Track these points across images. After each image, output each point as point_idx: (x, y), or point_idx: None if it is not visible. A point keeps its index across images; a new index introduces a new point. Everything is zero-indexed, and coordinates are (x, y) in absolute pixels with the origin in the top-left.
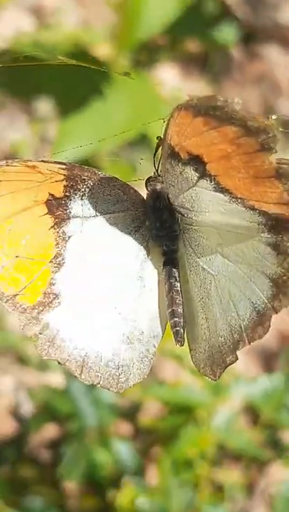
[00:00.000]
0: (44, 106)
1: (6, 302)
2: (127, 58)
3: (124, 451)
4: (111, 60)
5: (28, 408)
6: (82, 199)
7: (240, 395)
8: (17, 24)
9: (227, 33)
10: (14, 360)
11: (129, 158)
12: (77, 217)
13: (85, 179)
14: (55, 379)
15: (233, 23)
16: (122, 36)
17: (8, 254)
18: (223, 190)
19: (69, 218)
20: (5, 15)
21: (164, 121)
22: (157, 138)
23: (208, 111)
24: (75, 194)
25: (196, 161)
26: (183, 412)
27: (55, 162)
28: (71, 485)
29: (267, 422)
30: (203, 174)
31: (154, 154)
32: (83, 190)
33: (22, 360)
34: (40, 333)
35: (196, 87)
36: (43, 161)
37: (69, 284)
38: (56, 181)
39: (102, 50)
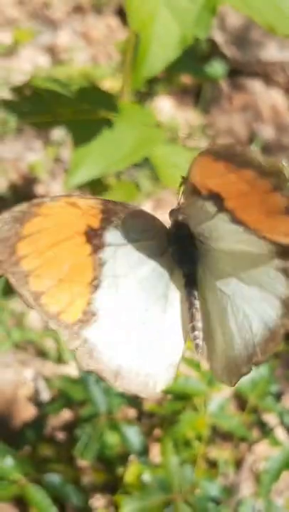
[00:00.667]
0: (58, 131)
1: (51, 319)
2: (131, 92)
3: (130, 433)
4: (117, 92)
5: (46, 396)
6: (115, 229)
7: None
8: (34, 60)
9: (216, 69)
10: (34, 354)
11: (133, 177)
12: (111, 245)
13: (117, 212)
14: (70, 370)
15: (222, 60)
16: (131, 76)
17: (53, 278)
18: (239, 222)
19: (104, 246)
20: (23, 52)
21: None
22: (182, 177)
23: (229, 157)
24: (109, 225)
25: (216, 198)
26: (182, 399)
27: (92, 198)
28: (85, 463)
29: (253, 407)
30: (221, 209)
31: (179, 188)
32: (116, 221)
33: (41, 354)
34: (81, 347)
35: (190, 116)
36: (81, 197)
37: (104, 303)
38: (93, 215)
39: (109, 83)
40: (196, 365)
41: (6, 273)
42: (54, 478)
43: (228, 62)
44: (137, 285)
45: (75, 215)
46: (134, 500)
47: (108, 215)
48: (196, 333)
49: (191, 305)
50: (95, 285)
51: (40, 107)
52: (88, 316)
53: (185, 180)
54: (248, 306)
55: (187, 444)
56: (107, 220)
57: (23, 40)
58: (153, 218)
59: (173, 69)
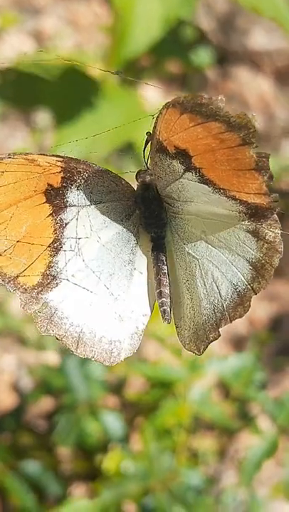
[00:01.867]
0: (42, 118)
1: (7, 283)
2: (115, 77)
3: (110, 420)
4: (101, 77)
5: (27, 383)
6: (78, 189)
7: (214, 371)
8: (19, 47)
9: (203, 57)
10: (15, 341)
11: (117, 164)
12: (73, 205)
13: (80, 171)
14: (51, 357)
15: (209, 48)
16: (111, 56)
17: (9, 239)
18: (207, 181)
19: (66, 207)
20: (8, 39)
21: (153, 118)
22: (147, 133)
23: (194, 108)
24: (72, 185)
25: (183, 155)
26: (162, 386)
27: (53, 155)
28: (64, 451)
29: (236, 396)
30: (189, 167)
31: (144, 148)
32: (79, 181)
33: (22, 341)
34: (40, 312)
35: None
36: (41, 154)
37: (66, 266)
38: (54, 173)
39: (94, 70)
40: (178, 352)
41: None
42: (33, 465)
43: (215, 50)
44: (101, 249)
45: (34, 172)
46: (112, 487)
47: (70, 173)
48: (164, 299)
49: (158, 270)
50: (55, 247)
51: (24, 91)
52: (48, 279)
53: (150, 137)
54: (217, 269)
55: (168, 432)
56: (69, 179)
57: (8, 26)
58: (119, 179)
59: (159, 54)
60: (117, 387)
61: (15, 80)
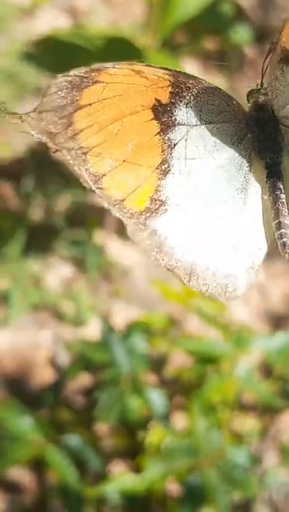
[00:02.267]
0: None
1: (113, 206)
2: (158, 43)
3: (154, 396)
4: (145, 47)
5: (65, 359)
6: (187, 107)
7: (259, 349)
8: (52, 23)
9: (241, 33)
10: (52, 316)
11: None
12: (182, 124)
13: (189, 87)
14: (89, 333)
15: (247, 25)
16: (156, 25)
17: (115, 158)
18: None
19: (174, 125)
20: (41, 15)
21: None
22: (270, 44)
23: None
24: (180, 101)
25: None
26: (207, 362)
27: (161, 68)
28: (104, 428)
29: (280, 375)
30: None
31: (263, 63)
32: (188, 97)
33: (59, 316)
34: (149, 240)
35: (214, 82)
36: (148, 65)
37: (175, 191)
38: (162, 87)
39: (137, 40)
40: (223, 327)
41: (61, 148)
42: (74, 440)
43: (254, 27)
44: (212, 173)
45: (141, 85)
46: (158, 463)
47: (179, 89)
48: (283, 230)
49: (275, 199)
50: (164, 169)
51: (63, 60)
52: (157, 204)
53: (273, 47)
54: None
55: (213, 409)
56: (178, 94)
57: (41, 2)
58: (230, 98)
59: (197, 30)
60: (157, 363)
61: (54, 49)
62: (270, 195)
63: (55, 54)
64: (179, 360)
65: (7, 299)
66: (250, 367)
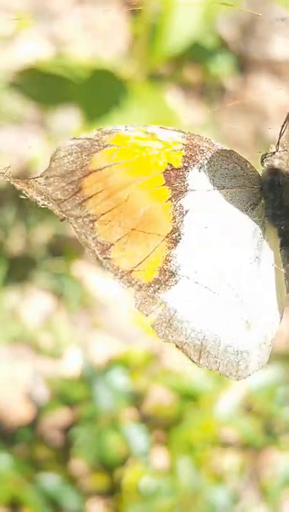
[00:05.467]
0: (61, 121)
1: (120, 278)
2: (143, 75)
3: (134, 434)
4: (129, 78)
5: (42, 393)
6: (200, 171)
7: (240, 385)
8: (34, 52)
9: (222, 65)
10: (30, 349)
11: None
12: (194, 190)
13: (203, 150)
14: (68, 367)
15: (228, 56)
16: (142, 56)
17: (124, 226)
18: None
19: (186, 191)
20: (23, 43)
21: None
22: None
23: None
24: (194, 165)
25: None
26: (188, 399)
27: (175, 130)
28: (81, 465)
29: (260, 411)
30: None
31: (282, 127)
32: (201, 161)
33: (37, 349)
34: (157, 314)
35: (194, 113)
36: (161, 127)
37: (186, 261)
38: (175, 150)
39: (121, 71)
40: None
41: (68, 216)
42: (50, 479)
43: (235, 58)
44: (223, 242)
45: (153, 148)
46: (136, 504)
47: (193, 152)
48: None
49: None
50: (174, 238)
51: (46, 90)
52: (166, 275)
53: None
54: None
55: (192, 447)
56: (191, 158)
57: (22, 29)
58: (244, 162)
59: (180, 61)
60: (137, 399)
61: (37, 79)
62: (283, 266)
63: (39, 84)
64: (160, 395)
65: None
66: (232, 403)
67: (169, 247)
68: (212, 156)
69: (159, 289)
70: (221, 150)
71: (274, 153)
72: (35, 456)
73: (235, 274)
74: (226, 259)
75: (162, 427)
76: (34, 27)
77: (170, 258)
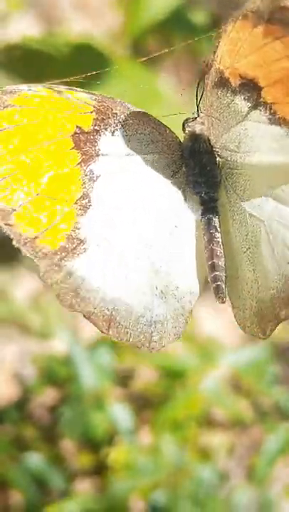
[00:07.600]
0: None
1: (24, 245)
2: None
3: (119, 412)
4: (114, 54)
5: (30, 373)
6: (112, 135)
7: (227, 363)
8: (26, 31)
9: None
10: (18, 329)
11: None
12: (106, 155)
13: (116, 113)
14: (56, 347)
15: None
16: (126, 25)
17: (27, 191)
18: (279, 121)
19: (98, 156)
20: (16, 22)
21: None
22: (203, 63)
23: (274, 16)
24: (106, 129)
25: (250, 87)
26: (174, 377)
27: (85, 92)
28: (69, 445)
29: (248, 390)
30: (257, 103)
31: (196, 88)
32: (114, 125)
33: (25, 329)
34: (63, 283)
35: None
36: (70, 89)
37: (96, 229)
38: (85, 113)
39: (106, 47)
40: (190, 338)
41: None
42: (36, 458)
43: None
44: (138, 210)
45: (61, 110)
46: (121, 481)
47: (104, 115)
48: (217, 273)
49: (210, 238)
50: (83, 205)
51: (31, 68)
52: (74, 243)
53: (207, 68)
54: None
55: (178, 425)
56: (102, 121)
57: (13, 10)
58: (163, 127)
59: (168, 35)
60: (124, 378)
61: (22, 57)
62: (204, 234)
63: (24, 62)
64: (146, 374)
65: None
66: (218, 381)
67: (78, 214)
68: (126, 119)
69: (65, 257)
70: (136, 113)
71: (195, 118)
72: (23, 436)
73: (150, 243)
74: (141, 228)
75: (149, 406)
76: (25, 7)
77: (79, 225)
